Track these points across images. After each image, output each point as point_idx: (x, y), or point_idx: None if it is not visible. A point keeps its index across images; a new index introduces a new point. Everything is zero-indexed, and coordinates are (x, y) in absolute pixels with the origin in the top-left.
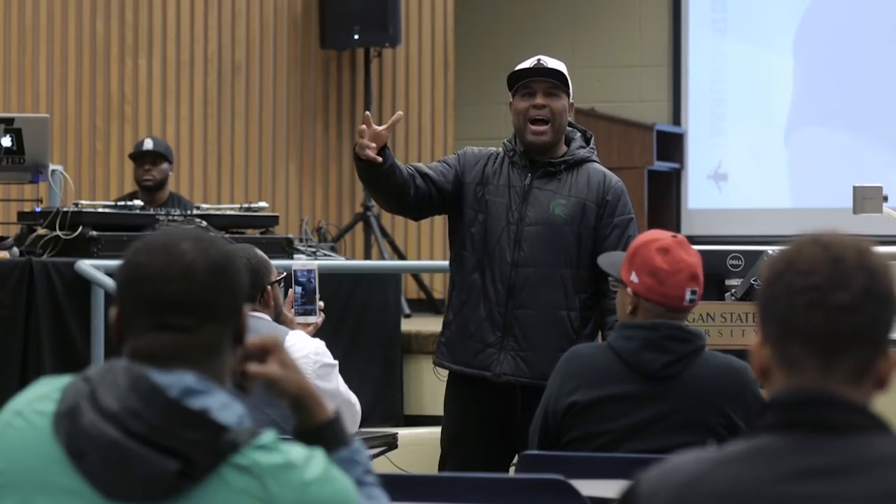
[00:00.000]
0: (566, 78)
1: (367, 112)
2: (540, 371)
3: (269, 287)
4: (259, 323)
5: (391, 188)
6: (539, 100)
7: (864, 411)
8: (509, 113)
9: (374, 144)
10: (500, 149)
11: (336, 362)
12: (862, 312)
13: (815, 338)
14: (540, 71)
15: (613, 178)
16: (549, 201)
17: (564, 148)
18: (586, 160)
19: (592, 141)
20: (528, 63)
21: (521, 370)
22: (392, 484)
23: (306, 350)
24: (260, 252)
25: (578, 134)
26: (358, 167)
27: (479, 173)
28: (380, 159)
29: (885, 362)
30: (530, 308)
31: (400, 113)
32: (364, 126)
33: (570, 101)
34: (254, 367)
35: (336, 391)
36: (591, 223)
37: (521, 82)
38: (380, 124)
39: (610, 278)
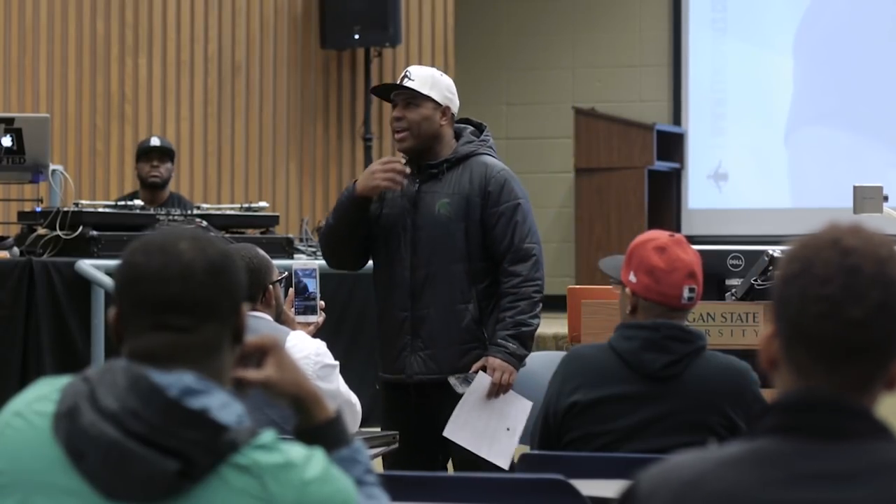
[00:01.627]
0: (429, 86)
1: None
2: (448, 366)
3: (270, 287)
4: (260, 323)
5: (358, 242)
6: (396, 112)
7: (868, 417)
8: (509, 113)
9: (408, 172)
10: None
11: (337, 363)
12: (875, 328)
13: (823, 347)
14: (393, 87)
15: (496, 167)
16: (435, 202)
17: (453, 146)
18: (471, 155)
19: (486, 133)
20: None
21: (430, 367)
22: (392, 484)
23: (307, 351)
24: (261, 252)
25: (469, 129)
26: (349, 211)
27: (378, 194)
28: (398, 186)
29: (895, 366)
30: (430, 307)
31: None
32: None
33: (444, 105)
34: (249, 374)
35: (337, 392)
36: (477, 216)
37: (391, 96)
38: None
39: (611, 280)
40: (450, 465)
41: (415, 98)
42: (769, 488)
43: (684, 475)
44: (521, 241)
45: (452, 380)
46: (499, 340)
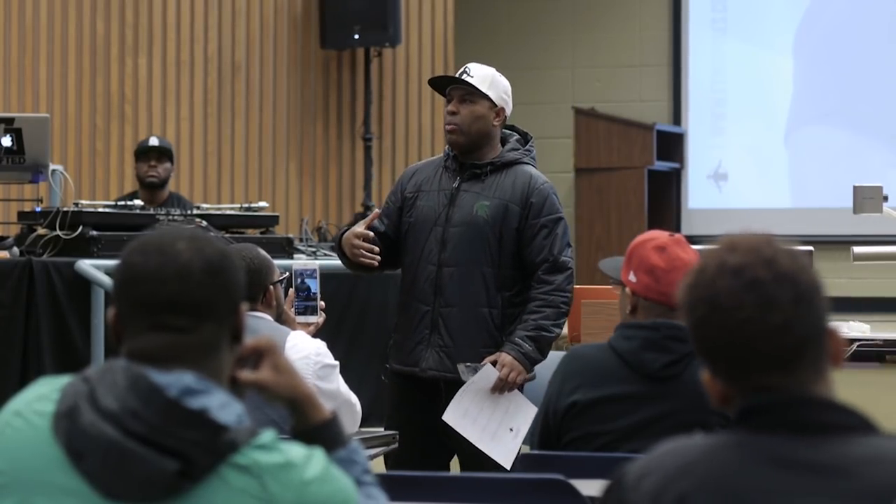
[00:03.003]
0: (487, 85)
1: (377, 209)
2: None
3: (270, 287)
4: (260, 323)
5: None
6: (451, 106)
7: (838, 407)
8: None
9: (377, 250)
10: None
11: (337, 363)
12: (800, 321)
13: (765, 363)
14: (451, 80)
15: (540, 179)
16: (473, 203)
17: (499, 150)
18: (516, 162)
19: (531, 143)
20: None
21: (446, 365)
22: (391, 484)
23: (307, 351)
24: (262, 252)
25: (515, 137)
26: (346, 264)
27: (413, 184)
28: (376, 263)
29: (832, 341)
30: (454, 306)
31: (378, 210)
32: (369, 232)
33: (499, 106)
34: (245, 375)
35: (337, 392)
36: (514, 224)
37: (446, 90)
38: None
39: (611, 280)
40: (454, 462)
41: (471, 94)
42: (755, 474)
43: (671, 463)
44: (560, 253)
45: (461, 367)
46: (516, 339)
